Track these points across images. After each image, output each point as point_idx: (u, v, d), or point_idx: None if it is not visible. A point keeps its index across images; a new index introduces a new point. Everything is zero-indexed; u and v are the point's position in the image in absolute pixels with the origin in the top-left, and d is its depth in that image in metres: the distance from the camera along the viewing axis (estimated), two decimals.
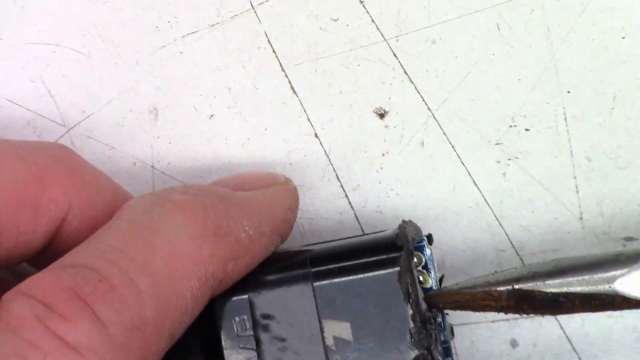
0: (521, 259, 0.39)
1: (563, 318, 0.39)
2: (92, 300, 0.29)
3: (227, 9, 0.39)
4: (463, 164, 0.39)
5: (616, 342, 0.38)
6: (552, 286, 0.33)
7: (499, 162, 0.39)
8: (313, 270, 0.35)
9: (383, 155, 0.39)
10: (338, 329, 0.34)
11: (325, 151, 0.39)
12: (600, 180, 0.38)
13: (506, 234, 0.39)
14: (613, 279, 0.33)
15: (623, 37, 0.38)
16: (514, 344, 0.39)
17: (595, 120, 0.39)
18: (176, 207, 0.32)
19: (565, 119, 0.39)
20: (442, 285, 0.36)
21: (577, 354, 0.38)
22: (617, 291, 0.33)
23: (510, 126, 0.39)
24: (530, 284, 0.34)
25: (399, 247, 0.35)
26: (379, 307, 0.34)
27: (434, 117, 0.39)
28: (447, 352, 0.36)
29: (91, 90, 0.39)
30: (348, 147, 0.39)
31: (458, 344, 0.39)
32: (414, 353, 0.34)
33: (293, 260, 0.35)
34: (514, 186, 0.38)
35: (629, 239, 0.38)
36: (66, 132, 0.39)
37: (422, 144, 0.39)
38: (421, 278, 0.35)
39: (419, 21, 0.39)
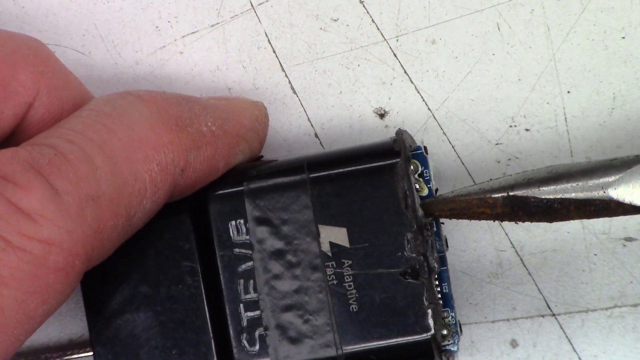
0: (521, 259, 0.39)
1: (563, 318, 0.39)
2: (47, 171, 0.30)
3: (227, 9, 0.39)
4: (463, 164, 0.39)
5: (616, 342, 0.38)
6: (547, 192, 0.33)
7: (499, 162, 0.39)
8: (311, 175, 0.35)
9: None
10: (334, 235, 0.34)
11: None
12: None
13: (506, 234, 0.39)
14: (607, 185, 0.33)
15: (623, 37, 0.38)
16: (514, 344, 0.39)
17: (595, 120, 0.39)
18: (139, 99, 0.33)
19: (565, 119, 0.39)
20: (438, 194, 0.36)
21: (577, 354, 0.38)
22: (611, 197, 0.33)
23: (510, 126, 0.39)
24: (525, 191, 0.34)
25: (396, 152, 0.34)
26: (376, 212, 0.34)
27: (434, 117, 0.39)
28: (443, 261, 0.36)
29: (91, 90, 0.39)
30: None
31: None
32: (410, 259, 0.34)
33: (290, 165, 0.35)
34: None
35: (629, 239, 0.38)
36: None
37: (422, 143, 0.39)
38: (417, 186, 0.35)
39: (419, 21, 0.39)
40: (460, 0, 0.39)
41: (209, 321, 0.34)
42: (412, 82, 0.39)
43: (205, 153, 0.34)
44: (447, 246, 0.36)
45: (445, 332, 0.35)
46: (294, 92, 0.39)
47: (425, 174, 0.35)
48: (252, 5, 0.39)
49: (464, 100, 0.39)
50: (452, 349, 0.35)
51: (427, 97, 0.39)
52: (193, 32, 0.40)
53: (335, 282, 0.34)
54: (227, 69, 0.39)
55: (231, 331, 0.34)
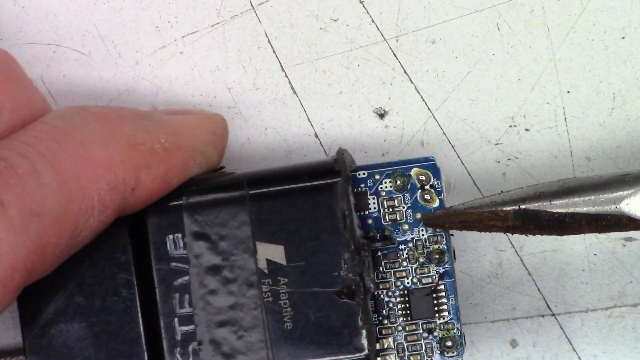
0: (521, 259, 0.39)
1: (563, 318, 0.39)
2: None
3: (227, 9, 0.39)
4: (463, 164, 0.39)
5: (616, 342, 0.38)
6: (559, 206, 0.33)
7: (498, 162, 0.39)
8: (250, 192, 0.35)
9: (383, 155, 0.39)
10: (272, 252, 0.35)
11: (325, 151, 0.39)
12: None
13: (506, 234, 0.39)
14: (619, 200, 0.33)
15: (623, 37, 0.38)
16: (513, 344, 0.39)
17: (595, 120, 0.39)
18: (94, 116, 0.33)
19: (565, 119, 0.39)
20: (448, 206, 0.36)
21: (577, 354, 0.38)
22: (623, 212, 0.33)
23: (510, 126, 0.39)
24: (536, 204, 0.34)
25: (336, 172, 0.35)
26: (314, 231, 0.34)
27: (434, 117, 0.39)
28: (450, 273, 0.36)
29: (91, 90, 0.39)
30: (348, 147, 0.39)
31: None
32: (346, 279, 0.34)
33: (230, 181, 0.35)
34: (514, 186, 0.38)
35: (629, 239, 0.38)
36: None
37: (422, 144, 0.39)
38: (428, 197, 0.36)
39: (419, 21, 0.39)
40: (460, 0, 0.39)
41: (142, 333, 0.34)
42: (412, 82, 0.39)
43: (158, 171, 0.34)
44: (455, 258, 0.36)
45: (449, 343, 0.35)
46: (294, 92, 0.39)
47: (437, 186, 0.36)
48: (252, 5, 0.39)
49: (464, 100, 0.39)
50: None
51: (427, 97, 0.39)
52: (193, 32, 0.40)
53: (270, 299, 0.34)
54: (227, 69, 0.39)
55: (165, 345, 0.34)
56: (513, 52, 0.39)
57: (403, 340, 0.36)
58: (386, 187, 0.36)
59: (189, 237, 0.35)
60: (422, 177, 0.36)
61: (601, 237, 0.38)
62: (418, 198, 0.36)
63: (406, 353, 0.36)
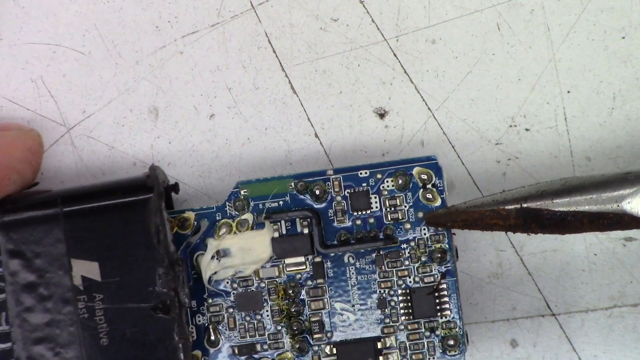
0: (521, 259, 0.39)
1: (563, 318, 0.39)
2: None
3: (227, 9, 0.39)
4: (463, 164, 0.39)
5: (616, 342, 0.38)
6: (560, 205, 0.33)
7: (499, 162, 0.39)
8: (64, 209, 0.35)
9: (383, 155, 0.39)
10: (87, 269, 0.35)
11: (325, 151, 0.39)
12: None
13: (506, 234, 0.39)
14: (621, 198, 0.33)
15: (623, 37, 0.38)
16: (514, 344, 0.39)
17: (595, 120, 0.39)
18: None
19: (565, 119, 0.39)
20: (450, 205, 0.36)
21: (577, 353, 0.38)
22: (625, 210, 0.33)
23: (510, 126, 0.39)
24: (538, 203, 0.34)
25: (149, 188, 0.35)
26: (128, 247, 0.35)
27: (434, 117, 0.39)
28: (452, 272, 0.36)
29: (91, 90, 0.39)
30: (348, 147, 0.39)
31: None
32: (161, 294, 0.34)
33: (45, 199, 0.35)
34: (514, 186, 0.38)
35: (629, 239, 0.38)
36: (66, 132, 0.40)
37: (422, 144, 0.39)
38: (430, 196, 0.36)
39: (419, 21, 0.39)
40: (460, 0, 0.39)
41: None
42: (412, 82, 0.39)
43: None
44: (458, 257, 0.36)
45: (451, 342, 0.35)
46: (294, 92, 0.39)
47: (438, 185, 0.36)
48: (252, 5, 0.39)
49: (464, 100, 0.39)
50: None
51: (427, 97, 0.39)
52: (193, 32, 0.40)
53: (86, 315, 0.35)
54: (227, 69, 0.39)
55: None
56: (513, 52, 0.39)
57: (405, 339, 0.36)
58: (388, 186, 0.36)
59: (4, 255, 0.35)
60: (424, 176, 0.36)
61: (601, 237, 0.38)
62: (420, 197, 0.36)
63: (408, 352, 0.36)
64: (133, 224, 0.35)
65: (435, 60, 0.39)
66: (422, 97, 0.39)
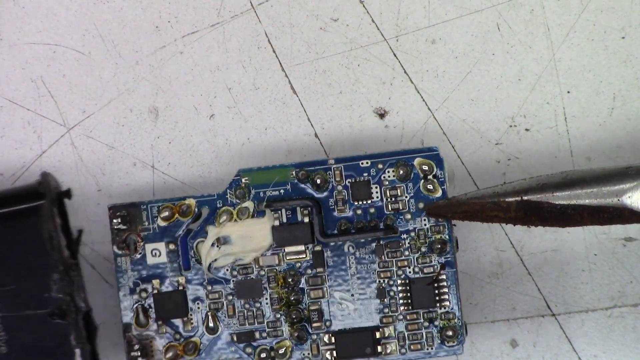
0: (521, 259, 0.39)
1: (563, 318, 0.39)
2: None
3: (227, 9, 0.39)
4: (463, 164, 0.39)
5: (616, 342, 0.38)
6: (561, 198, 0.33)
7: (499, 162, 0.39)
8: None
9: None
10: None
11: (325, 151, 0.39)
12: None
13: (506, 234, 0.39)
14: (622, 192, 0.33)
15: (623, 37, 0.38)
16: (513, 344, 0.39)
17: (595, 120, 0.39)
18: None
19: (565, 119, 0.39)
20: (451, 196, 0.36)
21: (577, 354, 0.38)
22: (625, 204, 0.33)
23: (510, 126, 0.39)
24: (539, 196, 0.34)
25: (41, 194, 0.35)
26: (22, 255, 0.35)
27: (434, 117, 0.39)
28: (451, 263, 0.36)
29: (91, 90, 0.39)
30: (348, 147, 0.39)
31: None
32: (57, 299, 0.34)
33: None
34: None
35: (629, 239, 0.38)
36: (66, 132, 0.40)
37: (422, 143, 0.39)
38: (431, 187, 0.36)
39: (419, 21, 0.39)
40: (460, 0, 0.39)
41: None
42: (412, 82, 0.39)
43: None
44: (458, 248, 0.37)
45: (450, 333, 0.35)
46: (294, 92, 0.39)
47: (440, 176, 0.36)
48: (252, 5, 0.39)
49: (464, 100, 0.39)
50: (457, 351, 0.35)
51: (427, 97, 0.39)
52: (193, 32, 0.40)
53: None
54: (227, 69, 0.39)
55: None
56: (513, 52, 0.39)
57: (404, 329, 0.36)
58: (389, 176, 0.36)
59: None
60: (425, 167, 0.36)
61: (601, 237, 0.38)
62: (421, 188, 0.36)
63: (407, 342, 0.36)
64: (26, 231, 0.35)
65: (435, 60, 0.39)
66: (422, 97, 0.39)
